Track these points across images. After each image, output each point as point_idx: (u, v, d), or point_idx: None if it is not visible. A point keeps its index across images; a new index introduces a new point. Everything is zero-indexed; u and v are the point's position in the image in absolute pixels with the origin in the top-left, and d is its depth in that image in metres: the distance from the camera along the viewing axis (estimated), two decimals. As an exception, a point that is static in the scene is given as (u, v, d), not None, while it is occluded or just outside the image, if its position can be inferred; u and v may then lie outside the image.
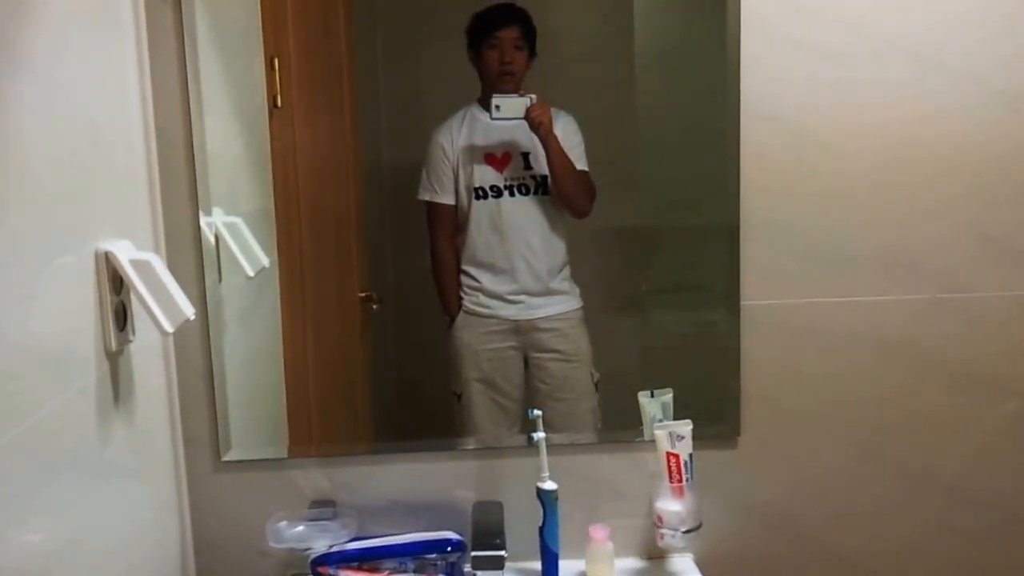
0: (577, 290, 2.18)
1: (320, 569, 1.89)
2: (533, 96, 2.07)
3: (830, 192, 2.00)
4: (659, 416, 2.02)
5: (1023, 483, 2.13)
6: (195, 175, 1.88)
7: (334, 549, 1.91)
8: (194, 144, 1.87)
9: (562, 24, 2.17)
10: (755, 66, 1.95)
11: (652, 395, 2.03)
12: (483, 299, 2.18)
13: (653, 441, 1.98)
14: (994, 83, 1.98)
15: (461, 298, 2.19)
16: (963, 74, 1.98)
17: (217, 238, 1.93)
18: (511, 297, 2.17)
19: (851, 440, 2.09)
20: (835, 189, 2.00)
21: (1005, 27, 1.97)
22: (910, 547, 2.14)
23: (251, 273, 2.01)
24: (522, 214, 2.16)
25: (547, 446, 1.90)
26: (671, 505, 1.95)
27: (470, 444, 2.15)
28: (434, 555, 1.92)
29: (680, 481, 1.95)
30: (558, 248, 2.17)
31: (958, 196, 2.02)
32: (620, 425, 2.11)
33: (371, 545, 1.93)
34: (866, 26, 1.95)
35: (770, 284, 2.03)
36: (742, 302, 2.03)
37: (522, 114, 2.08)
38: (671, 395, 2.03)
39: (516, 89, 2.10)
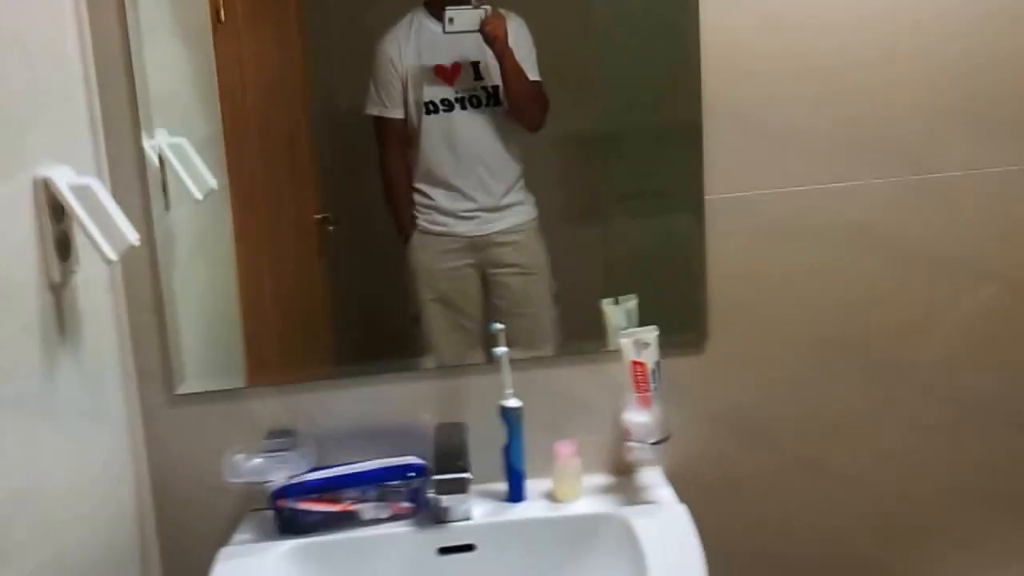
0: (533, 199, 2.13)
1: (279, 502, 1.87)
2: (488, 8, 2.00)
3: (797, 72, 1.95)
4: (624, 324, 1.98)
5: (1004, 375, 2.10)
6: (135, 95, 1.83)
7: (293, 481, 1.88)
8: (133, 63, 1.81)
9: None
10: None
11: (616, 302, 2.00)
12: (437, 217, 2.13)
13: (619, 351, 1.94)
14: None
15: (415, 217, 2.13)
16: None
17: (162, 160, 1.86)
18: (465, 213, 2.13)
19: (823, 339, 2.06)
20: (802, 68, 1.95)
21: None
22: (887, 448, 2.12)
23: (199, 196, 1.94)
24: (474, 128, 2.10)
25: (509, 362, 1.87)
26: (638, 416, 1.92)
27: (431, 364, 2.11)
28: (397, 482, 1.90)
29: (647, 391, 1.92)
30: (512, 160, 2.12)
31: (928, 70, 1.97)
32: (584, 337, 2.07)
33: (331, 475, 1.91)
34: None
35: (734, 175, 1.98)
36: (706, 196, 1.98)
37: (476, 27, 2.02)
38: (635, 301, 2.00)
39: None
